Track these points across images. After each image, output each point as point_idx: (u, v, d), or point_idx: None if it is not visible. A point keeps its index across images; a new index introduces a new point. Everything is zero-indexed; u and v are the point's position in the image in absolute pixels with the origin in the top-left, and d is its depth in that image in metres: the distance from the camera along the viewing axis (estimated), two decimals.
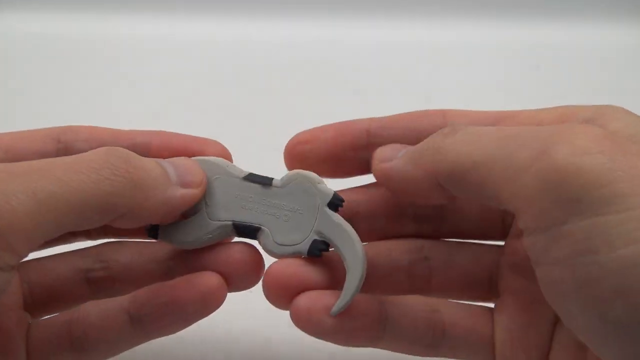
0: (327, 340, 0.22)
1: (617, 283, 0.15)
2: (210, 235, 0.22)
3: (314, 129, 0.24)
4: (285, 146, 0.24)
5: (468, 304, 0.23)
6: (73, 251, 0.24)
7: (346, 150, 0.23)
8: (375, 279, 0.23)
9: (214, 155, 0.23)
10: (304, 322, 0.21)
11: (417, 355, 0.23)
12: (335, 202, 0.22)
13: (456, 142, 0.19)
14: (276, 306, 0.22)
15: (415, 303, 0.23)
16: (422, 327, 0.22)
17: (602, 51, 0.53)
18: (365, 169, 0.23)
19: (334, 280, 0.22)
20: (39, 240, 0.17)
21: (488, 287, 0.23)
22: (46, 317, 0.23)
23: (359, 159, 0.23)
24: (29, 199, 0.16)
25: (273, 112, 0.46)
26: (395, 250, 0.23)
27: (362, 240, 0.22)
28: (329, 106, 0.46)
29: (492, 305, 0.24)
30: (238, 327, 0.29)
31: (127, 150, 0.19)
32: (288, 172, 0.23)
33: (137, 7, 0.55)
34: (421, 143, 0.21)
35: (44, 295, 0.23)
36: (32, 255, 0.22)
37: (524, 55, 0.52)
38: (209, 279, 0.21)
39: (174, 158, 0.21)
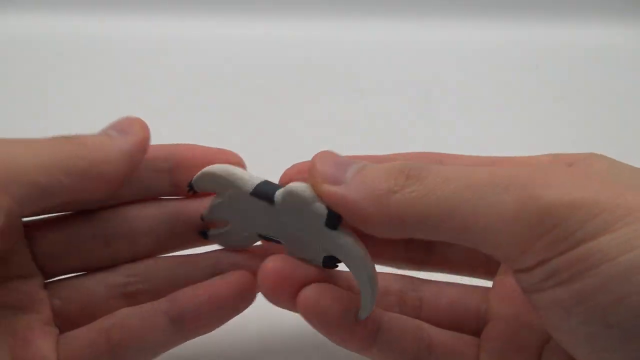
0: (328, 335, 0.21)
1: (618, 289, 0.15)
2: (245, 242, 0.23)
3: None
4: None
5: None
6: (107, 269, 0.24)
7: None
8: None
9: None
10: (311, 311, 0.21)
11: None
12: (333, 222, 0.20)
13: (427, 188, 0.17)
14: (276, 303, 0.22)
15: (405, 318, 0.23)
16: (410, 341, 0.22)
17: (601, 51, 0.53)
18: None
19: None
20: (17, 195, 0.18)
21: (476, 320, 0.23)
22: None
23: None
24: (2, 155, 0.18)
25: (273, 112, 0.46)
26: (387, 279, 0.24)
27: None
28: (329, 106, 0.46)
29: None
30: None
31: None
32: (284, 187, 0.21)
33: (137, 7, 0.55)
34: (381, 176, 0.18)
35: (77, 310, 0.23)
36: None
37: (523, 55, 0.53)
38: (243, 275, 0.22)
39: (113, 121, 0.22)
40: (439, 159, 0.23)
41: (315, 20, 0.55)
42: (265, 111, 0.46)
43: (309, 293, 0.21)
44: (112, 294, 0.23)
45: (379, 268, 0.23)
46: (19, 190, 0.18)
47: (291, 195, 0.21)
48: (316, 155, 0.20)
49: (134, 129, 0.22)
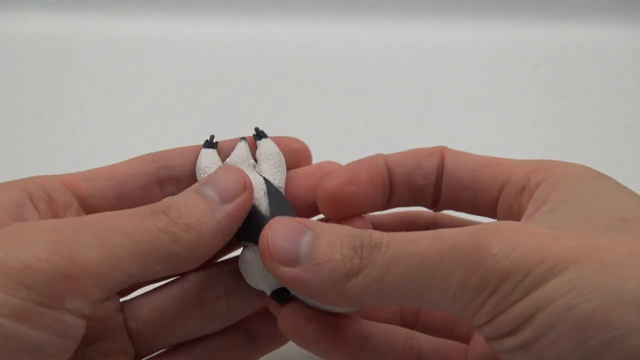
0: (309, 349, 0.22)
1: (549, 335, 0.16)
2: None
3: (343, 170, 0.24)
4: (325, 188, 0.23)
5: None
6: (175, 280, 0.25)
7: (377, 189, 0.24)
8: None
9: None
10: (289, 331, 0.22)
11: None
12: (283, 297, 0.22)
13: (378, 271, 0.18)
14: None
15: (394, 328, 0.24)
16: (399, 350, 0.23)
17: (601, 51, 0.53)
18: (385, 205, 0.25)
19: None
20: (109, 287, 0.18)
21: (467, 325, 0.25)
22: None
23: (386, 195, 0.24)
24: (99, 248, 0.18)
25: (273, 112, 0.46)
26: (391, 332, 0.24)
27: None
28: (329, 106, 0.46)
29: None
30: None
31: (170, 199, 0.20)
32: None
33: (137, 8, 0.55)
34: (335, 257, 0.19)
35: (156, 327, 0.24)
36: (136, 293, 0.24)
37: (522, 55, 0.53)
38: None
39: (212, 174, 0.22)
40: (440, 152, 0.24)
41: (315, 20, 0.55)
42: (265, 111, 0.46)
43: (286, 314, 0.22)
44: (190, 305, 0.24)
45: None
46: (113, 284, 0.18)
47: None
48: (267, 227, 0.20)
49: (235, 193, 0.21)
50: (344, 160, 0.25)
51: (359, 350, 0.22)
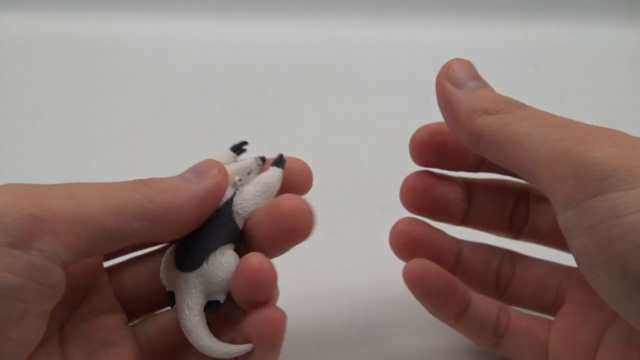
0: (425, 302, 0.25)
1: (637, 239, 0.17)
2: None
3: (434, 124, 0.26)
4: (415, 136, 0.27)
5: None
6: None
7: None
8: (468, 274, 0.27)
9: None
10: (415, 283, 0.25)
11: (481, 344, 0.27)
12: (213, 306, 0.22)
13: (510, 119, 0.21)
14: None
15: (490, 300, 0.26)
16: (493, 317, 0.26)
17: (602, 51, 0.53)
18: (478, 166, 0.27)
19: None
20: (84, 236, 0.18)
21: (554, 298, 0.26)
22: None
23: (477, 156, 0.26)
24: (67, 198, 0.19)
25: (273, 112, 0.46)
26: (490, 251, 0.28)
27: None
28: (328, 106, 0.46)
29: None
30: None
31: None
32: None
33: (137, 7, 0.55)
34: (488, 99, 0.22)
35: (143, 289, 0.24)
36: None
37: (522, 55, 0.53)
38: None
39: (193, 165, 0.23)
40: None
41: (315, 20, 0.55)
42: (264, 111, 0.46)
43: (414, 267, 0.25)
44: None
45: (485, 238, 0.28)
46: (86, 232, 0.19)
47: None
48: (456, 59, 0.24)
49: (211, 173, 0.22)
50: (343, 160, 0.25)
51: (462, 312, 0.25)
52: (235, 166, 0.23)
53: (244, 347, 0.21)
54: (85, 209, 0.19)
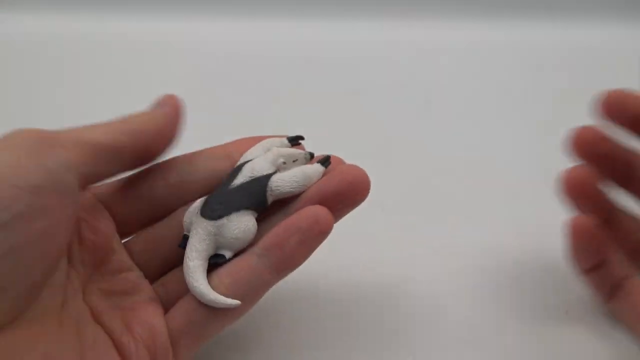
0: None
1: None
2: None
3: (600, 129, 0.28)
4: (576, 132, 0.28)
5: None
6: None
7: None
8: None
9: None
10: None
11: (596, 287, 0.28)
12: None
13: None
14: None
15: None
16: (623, 270, 0.28)
17: (604, 53, 0.53)
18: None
19: None
20: (88, 154, 0.21)
21: None
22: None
23: None
24: (68, 131, 0.22)
25: (273, 112, 0.46)
26: None
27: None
28: (328, 106, 0.46)
29: None
30: None
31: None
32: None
33: (137, 7, 0.55)
34: None
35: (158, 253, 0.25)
36: None
37: (523, 55, 0.53)
38: (317, 208, 0.24)
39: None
40: None
41: (315, 20, 0.55)
42: (264, 111, 0.46)
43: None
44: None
45: None
46: (87, 150, 0.21)
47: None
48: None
49: (169, 102, 0.25)
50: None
51: (613, 293, 0.28)
52: (286, 150, 0.25)
53: (232, 302, 0.23)
54: (83, 134, 0.22)
